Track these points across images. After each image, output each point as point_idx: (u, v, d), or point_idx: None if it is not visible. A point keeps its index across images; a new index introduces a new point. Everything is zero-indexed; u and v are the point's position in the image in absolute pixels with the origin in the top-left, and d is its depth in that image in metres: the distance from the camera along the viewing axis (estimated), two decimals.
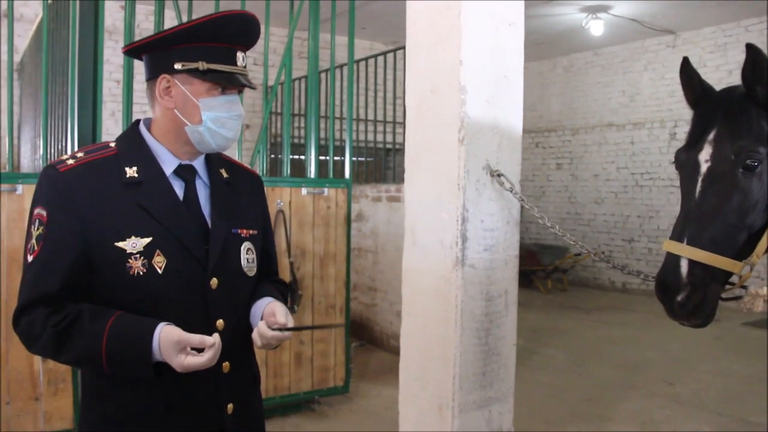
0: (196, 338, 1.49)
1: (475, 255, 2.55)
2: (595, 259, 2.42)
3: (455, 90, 2.48)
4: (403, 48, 2.76)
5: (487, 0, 2.53)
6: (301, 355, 4.61)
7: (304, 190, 4.60)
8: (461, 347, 2.55)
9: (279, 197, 4.45)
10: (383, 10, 9.07)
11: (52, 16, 4.78)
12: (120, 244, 1.56)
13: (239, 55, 1.67)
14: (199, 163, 1.74)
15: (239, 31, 1.66)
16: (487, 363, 2.65)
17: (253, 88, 1.70)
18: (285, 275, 4.45)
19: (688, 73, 1.94)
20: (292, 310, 4.45)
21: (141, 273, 1.56)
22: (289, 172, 4.78)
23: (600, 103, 11.29)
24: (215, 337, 1.51)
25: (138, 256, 1.57)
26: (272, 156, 9.32)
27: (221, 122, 1.65)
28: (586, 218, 11.37)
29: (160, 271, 1.58)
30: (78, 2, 3.91)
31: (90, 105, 3.89)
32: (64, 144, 4.07)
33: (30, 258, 1.57)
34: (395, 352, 2.85)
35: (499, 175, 2.57)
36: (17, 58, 7.98)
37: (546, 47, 11.11)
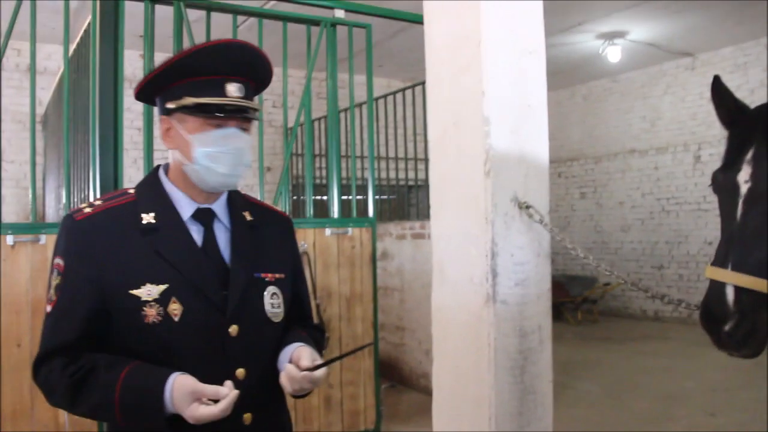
0: (211, 389, 1.43)
1: (506, 290, 2.46)
2: (633, 288, 2.32)
3: (479, 121, 2.41)
4: (422, 84, 2.72)
5: (508, 29, 2.48)
6: (330, 399, 4.52)
7: (327, 231, 4.55)
8: (496, 387, 2.45)
9: (302, 239, 4.39)
10: (400, 47, 9.11)
11: (74, 67, 4.82)
12: (135, 291, 1.52)
13: (231, 86, 1.58)
14: (219, 207, 1.69)
15: (225, 60, 1.58)
16: (523, 402, 2.54)
17: (251, 118, 1.62)
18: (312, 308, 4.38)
19: (720, 91, 1.86)
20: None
21: (156, 321, 1.52)
22: (312, 213, 4.73)
23: (621, 130, 11.20)
24: (229, 387, 1.44)
25: (153, 303, 1.52)
26: (294, 198, 9.31)
27: (214, 157, 1.58)
28: (613, 247, 11.21)
29: (176, 319, 1.53)
30: (98, 52, 3.93)
31: (111, 153, 3.88)
32: (86, 193, 4.06)
33: (48, 308, 1.56)
34: (426, 391, 2.78)
35: (527, 207, 2.49)
36: (41, 111, 8.09)
37: (563, 76, 11.08)
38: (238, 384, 1.54)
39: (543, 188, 2.62)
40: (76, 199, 4.42)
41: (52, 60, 8.42)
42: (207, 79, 1.57)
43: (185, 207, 1.64)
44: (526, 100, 2.55)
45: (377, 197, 8.57)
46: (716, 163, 1.87)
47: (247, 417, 1.59)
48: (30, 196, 3.79)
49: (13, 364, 3.48)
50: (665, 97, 10.52)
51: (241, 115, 1.59)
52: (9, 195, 8.05)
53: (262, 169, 4.53)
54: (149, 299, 1.52)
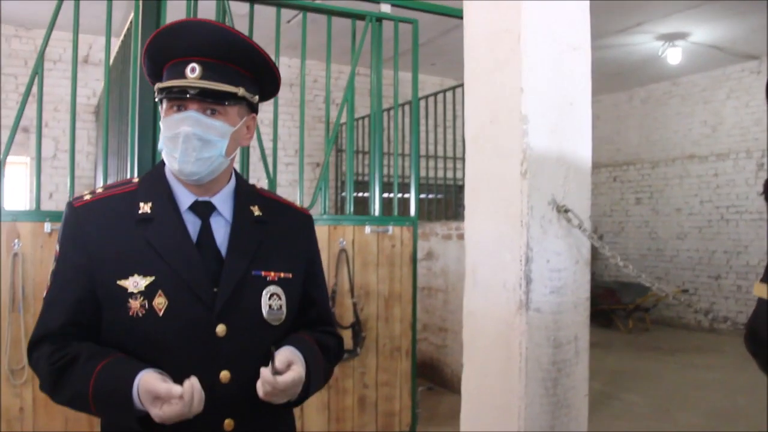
0: (164, 388, 1.34)
1: (540, 298, 2.34)
2: (673, 302, 2.17)
3: (516, 119, 2.30)
4: None
5: (550, 23, 2.36)
6: (365, 399, 4.44)
7: (367, 229, 4.47)
8: (526, 399, 2.34)
9: (341, 236, 4.33)
10: (452, 45, 8.97)
11: (121, 58, 4.86)
12: (122, 282, 1.47)
13: (190, 66, 1.49)
14: (221, 199, 1.61)
15: (182, 40, 1.50)
16: (555, 416, 2.42)
17: (205, 98, 1.49)
18: (348, 316, 4.32)
19: None
20: (354, 353, 4.30)
21: (140, 314, 1.45)
22: (352, 210, 4.66)
23: (680, 135, 10.87)
24: (188, 386, 1.34)
25: (138, 296, 1.46)
26: (342, 194, 9.27)
27: (167, 143, 1.51)
28: (669, 254, 10.88)
29: (160, 314, 1.46)
30: (140, 45, 3.93)
31: (150, 144, 3.88)
32: None
33: (45, 294, 1.53)
34: None
35: (566, 211, 2.36)
36: (95, 101, 8.24)
37: (622, 78, 10.80)
38: (221, 387, 1.48)
39: (584, 192, 2.49)
40: (86, 191, 4.44)
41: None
42: (175, 62, 1.51)
43: (183, 199, 1.57)
44: (568, 98, 2.42)
45: (425, 196, 8.49)
46: None
47: (229, 423, 1.51)
48: (68, 184, 3.80)
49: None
50: (728, 101, 10.16)
51: (196, 98, 1.49)
52: (62, 184, 8.20)
53: (302, 164, 4.47)
54: (135, 291, 1.46)
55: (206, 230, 1.56)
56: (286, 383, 1.44)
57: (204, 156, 1.50)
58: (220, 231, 1.58)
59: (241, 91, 1.53)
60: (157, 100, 1.54)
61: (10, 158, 3.63)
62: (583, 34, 2.48)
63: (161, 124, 1.53)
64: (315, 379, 1.59)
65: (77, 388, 1.42)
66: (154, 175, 1.61)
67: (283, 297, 1.60)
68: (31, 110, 4.01)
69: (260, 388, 1.44)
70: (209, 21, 1.53)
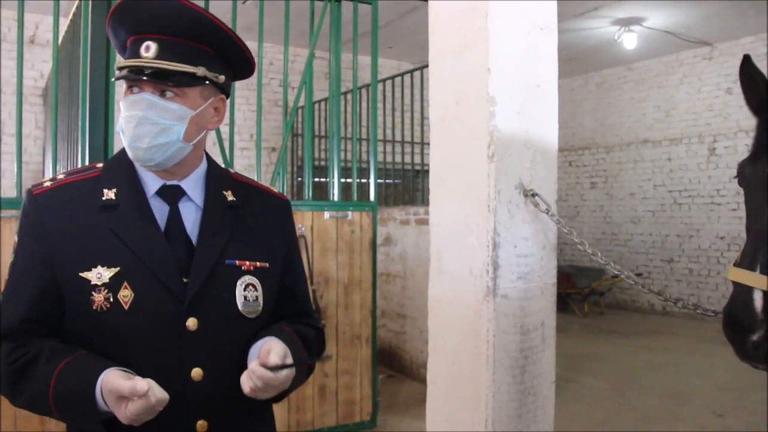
0: (127, 385, 1.23)
1: (508, 284, 2.29)
2: (645, 291, 2.14)
3: (483, 100, 2.24)
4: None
5: (517, 2, 2.30)
6: (325, 389, 4.37)
7: (326, 214, 4.39)
8: (494, 387, 2.29)
9: (300, 221, 4.24)
10: (410, 28, 8.91)
11: (69, 38, 4.67)
12: (84, 274, 1.35)
13: (144, 44, 1.39)
14: (191, 184, 1.50)
15: (136, 17, 1.40)
16: (522, 404, 2.38)
17: (159, 79, 1.38)
18: (311, 304, 4.24)
19: (750, 73, 1.67)
20: (326, 357, 4.21)
21: (105, 308, 1.34)
22: (311, 195, 4.57)
23: (634, 119, 10.97)
24: (148, 383, 1.23)
25: (102, 288, 1.35)
26: (299, 179, 9.15)
27: (122, 126, 1.42)
28: (623, 238, 11.01)
29: (125, 307, 1.35)
30: (89, 25, 3.78)
31: (102, 127, 3.75)
32: (76, 167, 3.92)
33: (2, 288, 1.42)
34: (426, 381, 2.63)
35: (533, 195, 2.31)
36: (42, 83, 7.96)
37: (577, 63, 10.85)
38: (193, 385, 1.38)
39: (551, 175, 2.45)
40: (46, 178, 4.28)
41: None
42: (134, 39, 1.41)
43: (150, 184, 1.46)
44: (536, 80, 2.37)
45: (382, 181, 8.42)
46: (731, 156, 1.67)
47: (202, 424, 1.40)
48: (15, 170, 3.63)
49: None
50: (681, 86, 10.27)
51: (150, 79, 1.38)
52: (9, 170, 7.93)
53: (259, 148, 4.36)
54: (98, 283, 1.35)
55: (175, 216, 1.46)
56: (279, 378, 1.34)
57: (159, 142, 1.40)
58: (190, 217, 1.48)
59: (201, 71, 1.41)
60: (113, 80, 1.44)
61: None
62: (551, 13, 2.44)
63: (120, 104, 1.43)
64: (297, 374, 1.47)
65: (37, 390, 1.32)
66: (118, 160, 1.50)
67: (260, 288, 1.50)
68: None
69: (246, 383, 1.34)
70: None
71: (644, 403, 5.51)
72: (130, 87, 1.41)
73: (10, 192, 7.58)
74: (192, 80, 1.41)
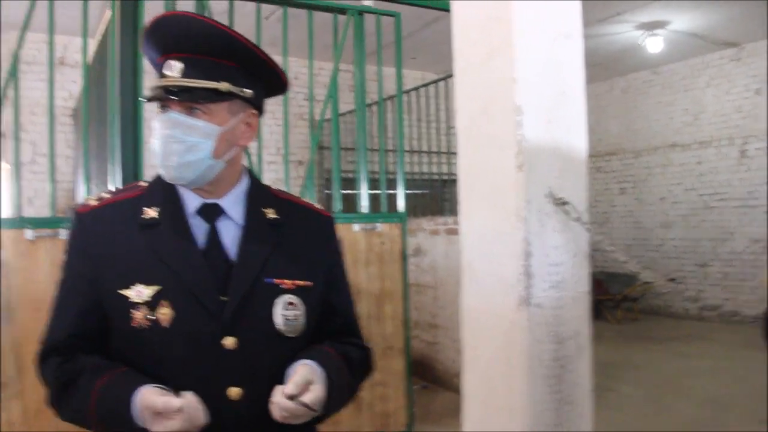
0: (161, 401, 1.25)
1: (540, 293, 2.28)
2: (661, 291, 2.11)
3: (510, 110, 2.23)
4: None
5: (541, 10, 2.29)
6: (360, 400, 4.37)
7: (356, 226, 4.40)
8: (530, 397, 2.27)
9: None
10: (433, 39, 8.92)
11: (98, 59, 4.75)
12: (124, 291, 1.37)
13: (168, 64, 1.41)
14: (230, 202, 1.50)
15: (161, 37, 1.42)
16: (560, 414, 2.36)
17: (183, 97, 1.40)
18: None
19: None
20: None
21: (144, 326, 1.36)
22: (340, 207, 4.58)
23: (662, 124, 10.88)
24: (186, 399, 1.25)
25: (142, 306, 1.36)
26: (326, 192, 9.19)
27: (152, 146, 1.43)
28: (654, 243, 10.89)
29: (164, 325, 1.36)
30: (118, 45, 3.84)
31: (131, 146, 3.79)
32: (106, 186, 3.98)
33: (52, 304, 1.46)
34: (460, 391, 2.62)
35: (563, 203, 2.30)
36: (72, 104, 8.09)
37: (602, 68, 10.79)
38: (230, 405, 1.37)
39: (580, 183, 2.43)
40: (92, 197, 4.34)
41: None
42: (162, 60, 1.44)
43: (190, 202, 1.47)
44: (562, 88, 2.36)
45: (410, 192, 8.42)
46: (763, 158, 1.66)
47: None
48: (49, 189, 3.69)
49: (34, 362, 3.39)
50: (708, 89, 10.17)
51: (174, 98, 1.40)
52: (41, 189, 8.05)
53: (287, 162, 4.39)
54: (138, 301, 1.36)
55: (213, 235, 1.46)
56: (301, 408, 1.32)
57: (187, 159, 1.40)
58: (230, 235, 1.47)
59: (224, 86, 1.42)
60: (143, 101, 1.47)
61: None
62: (575, 21, 2.42)
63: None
64: (338, 396, 1.46)
65: (79, 406, 1.35)
66: (160, 179, 1.51)
67: (301, 307, 1.48)
68: (6, 114, 3.89)
69: (275, 411, 1.32)
70: (184, 13, 1.43)
71: (683, 410, 5.43)
72: (160, 108, 1.43)
73: (44, 212, 7.74)
74: (216, 96, 1.42)
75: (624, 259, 2.58)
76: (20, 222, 3.50)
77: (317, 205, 1.70)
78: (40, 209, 7.99)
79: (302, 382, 1.34)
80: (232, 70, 1.45)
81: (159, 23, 1.42)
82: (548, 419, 2.34)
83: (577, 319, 2.42)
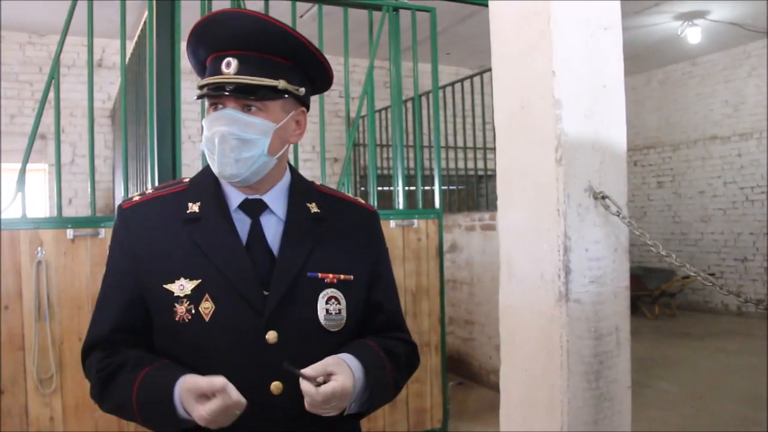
0: (204, 381, 1.26)
1: (580, 288, 2.26)
2: (722, 293, 2.08)
3: (549, 104, 2.21)
4: (490, 70, 2.55)
5: (579, 2, 2.27)
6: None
7: (392, 223, 4.40)
8: (569, 393, 2.26)
9: None
10: (468, 34, 8.89)
11: (135, 60, 4.81)
12: (168, 286, 1.39)
13: (225, 61, 1.39)
14: (273, 197, 1.50)
15: (216, 33, 1.42)
16: (599, 410, 2.34)
17: (242, 94, 1.40)
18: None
19: None
20: None
21: (187, 320, 1.37)
22: (376, 204, 4.59)
23: (701, 116, 10.70)
24: (223, 380, 1.26)
25: (184, 300, 1.37)
26: (362, 189, 9.21)
27: (207, 142, 1.43)
28: (693, 238, 10.73)
29: (206, 319, 1.37)
30: (155, 46, 3.89)
31: (169, 145, 3.84)
32: (145, 186, 4.04)
33: (97, 299, 1.48)
34: (496, 388, 2.61)
35: (603, 198, 2.28)
36: (110, 105, 8.21)
37: (639, 60, 10.65)
38: (272, 399, 1.38)
39: (620, 177, 2.40)
40: (137, 191, 4.41)
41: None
42: (214, 57, 1.43)
43: (233, 198, 1.49)
44: (601, 81, 2.34)
45: (445, 188, 8.39)
46: None
47: None
48: (89, 189, 3.76)
49: (75, 358, 3.46)
50: (749, 79, 9.97)
51: (232, 94, 1.40)
52: (81, 189, 8.19)
53: (323, 159, 4.41)
54: (181, 295, 1.38)
55: (256, 229, 1.47)
56: (326, 394, 1.31)
57: (244, 156, 1.41)
58: (272, 230, 1.48)
59: (281, 84, 1.42)
60: (196, 98, 1.47)
61: (27, 165, 3.59)
62: (614, 12, 2.39)
63: (203, 123, 1.46)
64: (379, 389, 1.46)
65: (122, 397, 1.36)
66: (203, 174, 1.54)
67: (343, 301, 1.48)
68: (47, 116, 3.95)
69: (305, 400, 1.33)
70: (242, 10, 1.42)
71: (722, 407, 5.35)
72: (212, 105, 1.43)
73: (84, 211, 7.87)
74: (273, 93, 1.42)
75: (665, 253, 2.54)
76: (61, 222, 3.57)
77: (361, 200, 1.70)
78: (80, 209, 8.14)
79: (321, 369, 1.34)
80: (287, 68, 1.46)
81: (214, 20, 1.42)
82: (586, 416, 2.32)
83: (617, 315, 2.39)
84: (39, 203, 8.26)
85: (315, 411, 1.33)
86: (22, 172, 3.54)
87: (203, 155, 1.51)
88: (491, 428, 4.64)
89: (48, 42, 8.26)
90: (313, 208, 1.54)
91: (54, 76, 3.66)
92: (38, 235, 3.49)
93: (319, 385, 1.31)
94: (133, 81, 4.84)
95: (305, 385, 1.31)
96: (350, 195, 1.71)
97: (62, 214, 3.73)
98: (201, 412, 1.25)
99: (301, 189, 1.56)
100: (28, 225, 3.48)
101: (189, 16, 4.19)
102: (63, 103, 5.01)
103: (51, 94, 3.64)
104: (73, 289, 3.54)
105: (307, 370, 1.32)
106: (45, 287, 3.48)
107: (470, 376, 6.50)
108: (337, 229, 1.55)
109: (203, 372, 1.33)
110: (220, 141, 1.39)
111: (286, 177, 1.56)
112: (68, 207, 8.08)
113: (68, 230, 3.53)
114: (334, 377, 1.34)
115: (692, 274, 2.30)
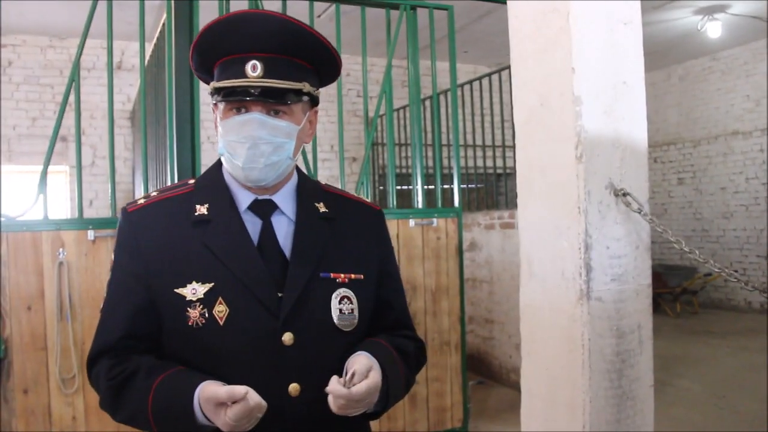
0: (224, 390, 1.24)
1: (601, 286, 2.24)
2: (748, 289, 2.06)
3: (568, 101, 2.20)
4: (508, 68, 2.54)
5: None
6: (415, 396, 4.37)
7: (411, 222, 4.39)
8: (590, 392, 2.24)
9: None
10: (485, 31, 8.86)
11: (154, 62, 4.84)
12: (179, 290, 1.36)
13: (250, 64, 1.36)
14: (283, 197, 1.49)
15: (241, 34, 1.38)
16: (621, 409, 2.32)
17: (270, 99, 1.37)
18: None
19: None
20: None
21: (200, 324, 1.35)
22: (395, 203, 4.58)
23: (722, 111, 10.59)
24: (245, 389, 1.23)
25: (197, 304, 1.35)
26: (381, 188, 9.20)
27: (231, 147, 1.40)
28: (715, 234, 10.63)
29: (221, 323, 1.35)
30: (173, 47, 3.91)
31: (188, 146, 3.86)
32: (165, 185, 4.05)
33: (102, 305, 1.45)
34: (516, 387, 2.59)
35: (624, 195, 2.26)
36: (129, 107, 8.27)
37: (658, 56, 10.56)
38: (290, 401, 1.37)
39: (641, 174, 2.38)
40: (140, 195, 4.44)
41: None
42: (231, 59, 1.39)
43: (242, 198, 1.47)
44: (621, 77, 2.32)
45: (464, 186, 8.37)
46: None
47: None
48: (110, 190, 3.79)
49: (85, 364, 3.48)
50: None
51: (259, 98, 1.37)
52: (101, 191, 8.25)
53: (342, 159, 4.41)
54: (193, 299, 1.35)
55: (268, 230, 1.45)
56: (360, 393, 1.30)
57: (273, 160, 1.40)
58: (283, 230, 1.47)
59: (306, 87, 1.42)
60: (213, 102, 1.43)
61: (49, 168, 3.62)
62: (634, 8, 2.37)
63: (220, 127, 1.43)
64: (394, 388, 1.45)
65: (136, 406, 1.34)
66: (210, 176, 1.52)
67: (355, 300, 1.47)
68: (68, 119, 3.98)
69: (332, 402, 1.31)
70: (268, 12, 1.40)
71: (746, 406, 5.28)
72: (233, 108, 1.40)
73: (104, 212, 7.93)
74: (297, 96, 1.41)
75: (688, 249, 2.51)
76: (82, 223, 3.60)
77: (366, 200, 1.71)
78: (100, 210, 8.21)
79: (364, 370, 1.34)
80: (309, 71, 1.45)
81: (243, 19, 1.39)
82: (609, 415, 2.30)
83: (639, 313, 2.37)
84: (60, 205, 8.33)
85: (344, 412, 1.32)
86: (44, 174, 3.58)
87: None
88: (512, 428, 4.62)
89: (68, 45, 8.33)
90: (321, 207, 1.53)
91: (74, 79, 3.69)
92: (60, 236, 3.52)
93: (346, 385, 1.30)
94: (152, 83, 4.87)
95: (336, 388, 1.30)
96: (355, 194, 1.70)
97: (83, 215, 3.76)
98: (225, 419, 1.24)
99: (308, 189, 1.56)
100: (49, 226, 3.51)
101: (207, 17, 4.22)
102: (83, 105, 5.05)
103: (71, 97, 3.68)
104: (94, 289, 3.57)
105: (351, 376, 1.31)
106: (67, 288, 3.51)
107: (490, 375, 6.48)
108: (346, 228, 1.55)
109: (218, 375, 1.33)
110: (251, 147, 1.38)
111: (294, 177, 1.55)
112: (89, 208, 8.14)
113: (89, 231, 3.57)
114: (371, 374, 1.34)
115: (716, 270, 2.27)
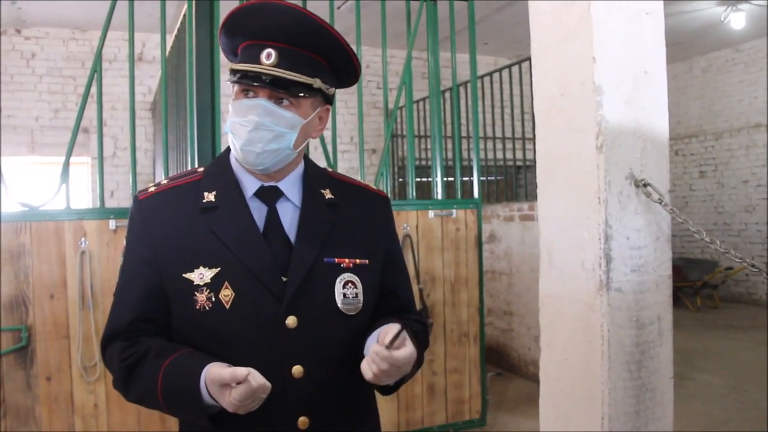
0: (227, 372, 1.27)
1: (621, 277, 2.23)
2: (743, 278, 2.04)
3: (589, 91, 2.19)
4: (528, 59, 2.53)
5: None
6: (434, 387, 4.38)
7: (431, 213, 4.40)
8: (610, 383, 2.23)
9: (405, 221, 4.27)
10: (506, 23, 8.81)
11: (175, 53, 4.86)
12: (187, 275, 1.40)
13: (265, 52, 1.40)
14: (288, 184, 1.53)
15: (260, 23, 1.41)
16: (640, 401, 2.31)
17: (278, 88, 1.40)
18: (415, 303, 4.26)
19: None
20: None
21: (207, 308, 1.39)
22: (414, 194, 4.59)
23: (745, 104, 10.46)
24: (248, 370, 1.26)
25: (204, 288, 1.39)
26: (401, 180, 9.21)
27: (235, 129, 1.44)
28: (737, 228, 10.52)
29: (227, 307, 1.39)
30: (194, 39, 3.93)
31: (209, 138, 3.88)
32: None
33: (115, 290, 1.49)
34: (534, 379, 2.59)
35: (645, 185, 2.25)
36: (150, 98, 8.32)
37: (680, 48, 10.45)
38: (294, 382, 1.41)
39: (662, 164, 2.37)
40: (151, 183, 4.47)
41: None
42: (251, 44, 1.43)
43: (248, 185, 1.50)
44: (642, 67, 2.30)
45: (484, 178, 8.35)
46: None
47: (303, 421, 1.42)
48: (131, 181, 3.82)
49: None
50: None
51: (268, 86, 1.40)
52: (122, 182, 8.32)
53: (362, 151, 4.42)
54: (201, 283, 1.39)
55: (273, 216, 1.48)
56: (403, 358, 1.33)
57: (271, 148, 1.43)
58: (288, 216, 1.50)
59: (317, 83, 1.44)
60: (228, 81, 1.46)
61: (71, 159, 3.66)
62: None
63: (230, 106, 1.47)
64: (417, 364, 1.47)
65: (146, 386, 1.38)
66: (218, 163, 1.56)
67: (359, 285, 1.50)
68: (90, 110, 4.02)
69: (367, 369, 1.33)
70: (288, 3, 1.43)
71: (766, 401, 5.24)
72: (243, 91, 1.44)
73: (125, 203, 8.00)
74: (307, 91, 1.44)
75: (710, 240, 2.49)
76: (104, 213, 3.64)
77: (373, 186, 1.73)
78: (121, 201, 8.28)
79: (403, 338, 1.35)
80: (323, 67, 1.48)
81: (261, 8, 1.42)
82: (628, 406, 2.30)
83: (659, 304, 2.36)
84: (82, 196, 8.41)
85: (377, 379, 1.34)
86: (66, 165, 3.61)
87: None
88: (530, 419, 4.61)
89: (90, 37, 8.39)
90: (327, 194, 1.56)
91: (96, 71, 3.72)
92: (82, 225, 3.56)
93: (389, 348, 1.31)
94: (172, 74, 4.90)
95: (381, 351, 1.31)
96: (362, 181, 1.72)
97: (105, 205, 3.80)
98: (230, 399, 1.27)
99: (315, 176, 1.58)
100: (72, 216, 3.55)
101: (227, 8, 4.24)
102: (105, 97, 5.10)
103: (93, 89, 3.71)
104: (115, 278, 3.56)
105: (390, 337, 1.32)
106: (89, 276, 3.55)
107: (509, 367, 6.48)
108: (351, 214, 1.57)
109: (225, 358, 1.36)
110: (252, 130, 1.41)
111: (300, 164, 1.58)
112: (110, 199, 8.21)
113: (110, 221, 3.60)
114: (407, 342, 1.36)
115: (737, 260, 2.26)
